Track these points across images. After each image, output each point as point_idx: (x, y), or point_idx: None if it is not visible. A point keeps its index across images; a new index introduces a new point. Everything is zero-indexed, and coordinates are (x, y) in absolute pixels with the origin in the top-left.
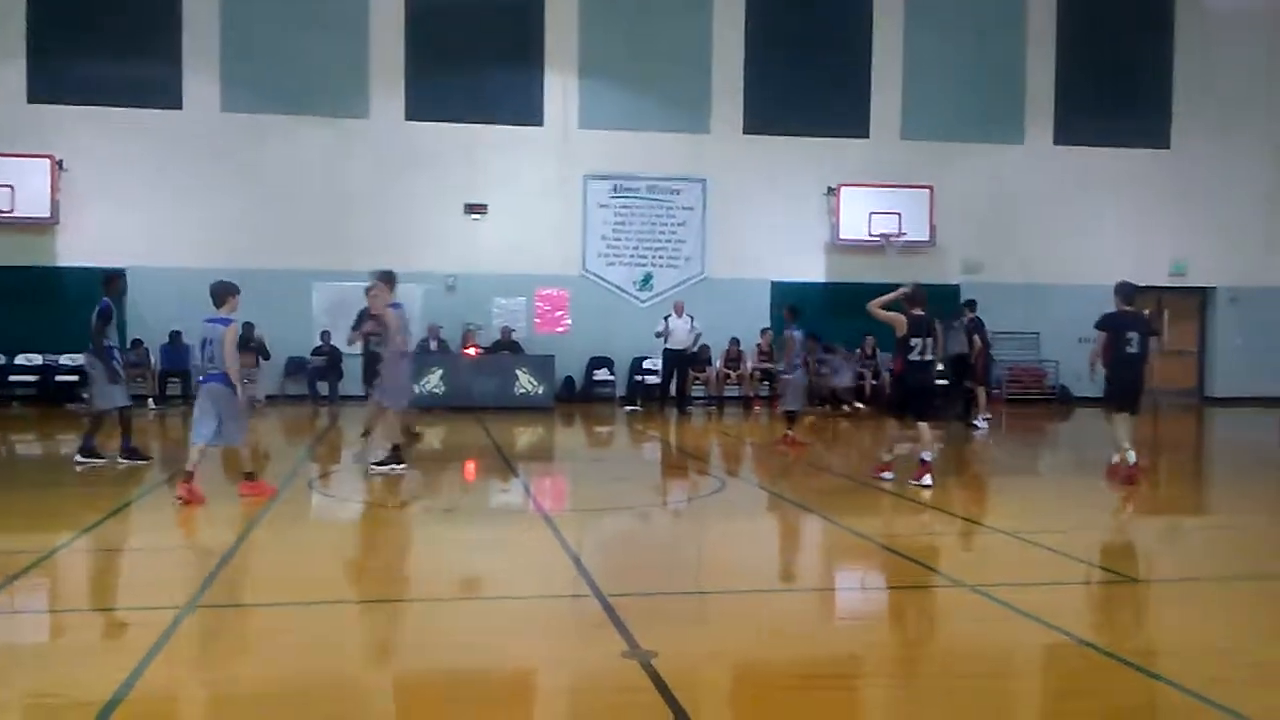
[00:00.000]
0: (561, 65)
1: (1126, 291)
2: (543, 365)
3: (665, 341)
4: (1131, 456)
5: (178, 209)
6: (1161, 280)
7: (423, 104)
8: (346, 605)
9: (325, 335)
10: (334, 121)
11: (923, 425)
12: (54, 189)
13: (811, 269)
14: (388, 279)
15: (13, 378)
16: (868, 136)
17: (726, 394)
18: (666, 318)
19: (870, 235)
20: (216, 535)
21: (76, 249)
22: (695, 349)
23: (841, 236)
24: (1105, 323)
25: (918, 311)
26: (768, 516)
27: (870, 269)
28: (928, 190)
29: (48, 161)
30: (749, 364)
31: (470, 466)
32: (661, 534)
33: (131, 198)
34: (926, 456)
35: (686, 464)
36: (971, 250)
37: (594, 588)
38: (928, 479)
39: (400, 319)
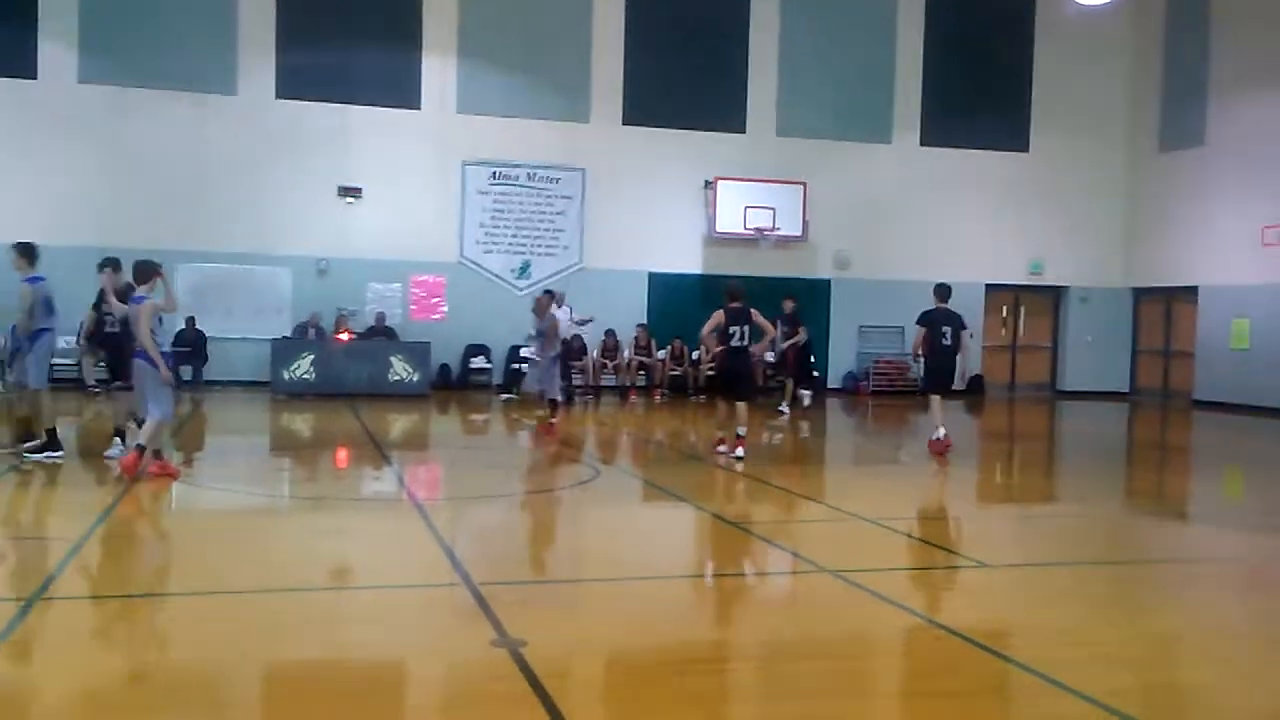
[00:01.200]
0: (439, 47)
1: (942, 291)
2: (418, 352)
3: None
4: (942, 432)
5: (31, 183)
6: (1020, 279)
7: (294, 81)
8: (208, 596)
9: (190, 320)
10: (199, 96)
11: (740, 405)
12: None
13: (688, 261)
14: (18, 250)
15: None
16: (744, 131)
17: (603, 383)
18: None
19: (746, 229)
20: (68, 523)
21: None
22: (574, 338)
23: (718, 229)
24: (923, 319)
25: (736, 305)
26: (639, 505)
27: (746, 262)
28: (801, 186)
29: None
30: (626, 354)
31: (341, 454)
32: (534, 522)
33: None
34: (742, 431)
35: (562, 453)
36: (841, 246)
37: (464, 576)
38: (740, 451)
39: (33, 294)
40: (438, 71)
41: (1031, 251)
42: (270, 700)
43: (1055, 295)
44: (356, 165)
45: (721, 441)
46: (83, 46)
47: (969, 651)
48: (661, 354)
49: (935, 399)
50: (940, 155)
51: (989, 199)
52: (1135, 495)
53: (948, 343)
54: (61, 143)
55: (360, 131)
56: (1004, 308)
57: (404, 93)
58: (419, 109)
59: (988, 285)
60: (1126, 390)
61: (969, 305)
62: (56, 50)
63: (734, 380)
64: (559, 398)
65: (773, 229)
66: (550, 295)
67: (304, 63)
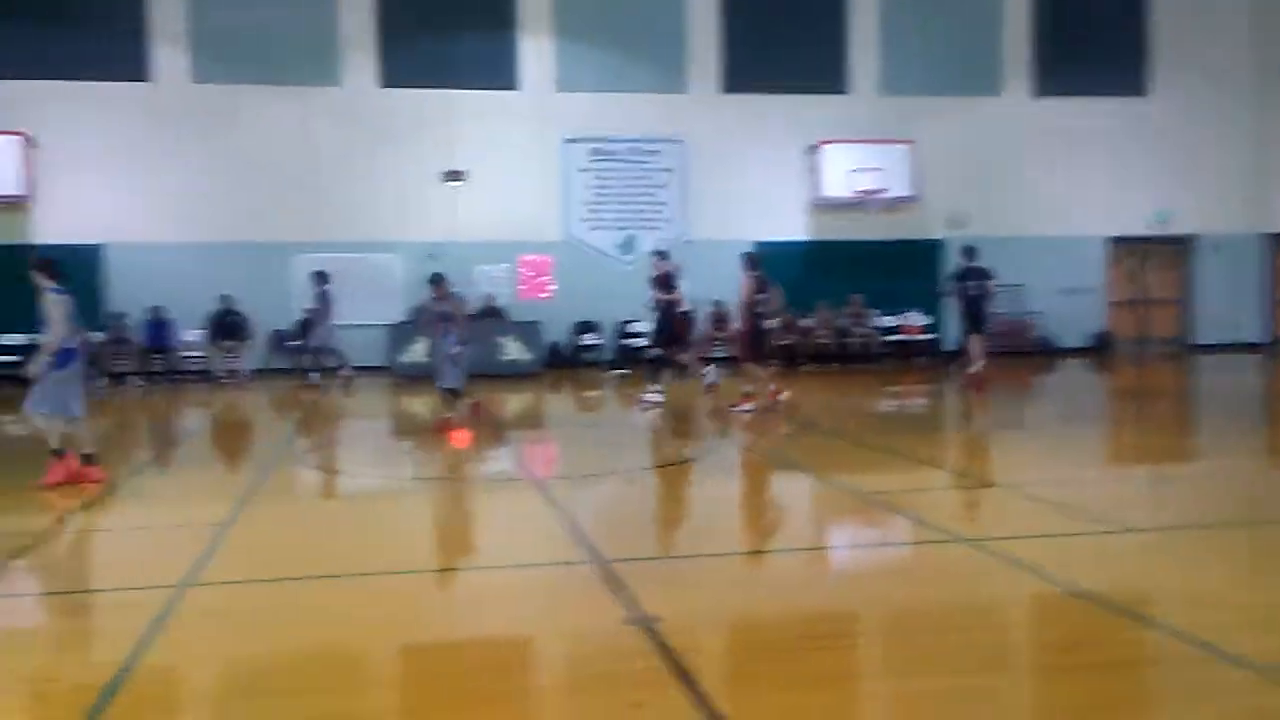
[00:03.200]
0: (536, 27)
1: (967, 252)
2: (528, 331)
3: None
4: (979, 366)
5: (152, 183)
6: (1145, 230)
7: (395, 70)
8: (345, 579)
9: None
10: (306, 90)
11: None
12: (26, 165)
13: (794, 228)
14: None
15: None
16: (846, 92)
17: (714, 355)
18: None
19: (852, 193)
20: (210, 511)
21: (51, 226)
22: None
23: (824, 194)
24: (952, 275)
25: (758, 273)
26: (761, 477)
27: (854, 227)
28: (908, 145)
29: (18, 138)
30: (736, 325)
31: (461, 435)
32: (657, 497)
33: (105, 173)
34: (772, 386)
35: (678, 426)
36: (954, 205)
37: (593, 554)
38: (784, 394)
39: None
40: (535, 51)
41: (1156, 201)
42: (409, 680)
43: (1182, 245)
44: (460, 149)
45: (748, 399)
46: (194, 49)
47: (1114, 620)
48: (771, 324)
49: (973, 337)
50: (1054, 105)
51: (1108, 148)
52: (1278, 452)
53: (973, 292)
54: (179, 142)
55: (462, 116)
56: (1129, 261)
57: (503, 74)
58: (518, 90)
59: (1111, 238)
60: (1264, 341)
61: (1090, 260)
62: (169, 54)
63: (768, 341)
64: (457, 386)
65: (880, 191)
66: (442, 277)
67: (403, 51)
